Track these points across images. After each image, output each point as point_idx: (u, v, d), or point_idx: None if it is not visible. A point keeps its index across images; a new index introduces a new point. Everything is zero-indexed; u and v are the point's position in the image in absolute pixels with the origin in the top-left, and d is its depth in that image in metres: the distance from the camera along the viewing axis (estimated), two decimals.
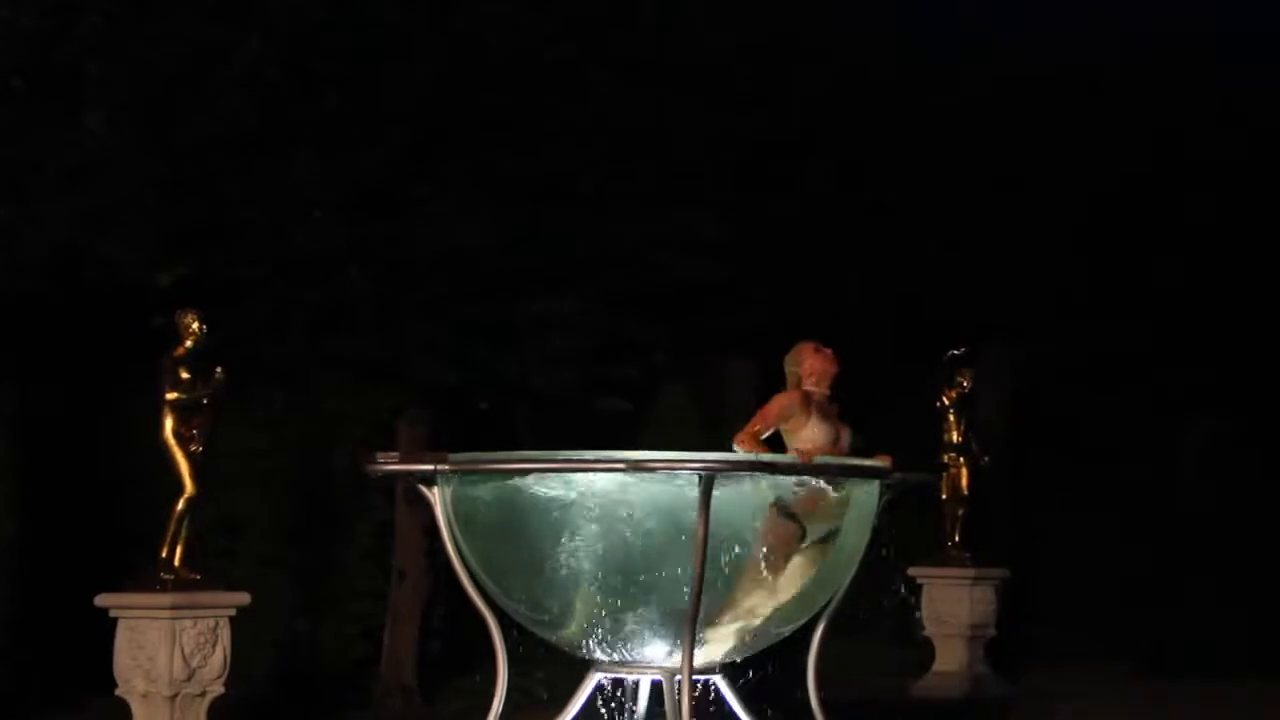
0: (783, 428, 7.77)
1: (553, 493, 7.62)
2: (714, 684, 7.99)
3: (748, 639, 7.94)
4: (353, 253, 10.69)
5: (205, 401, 8.90)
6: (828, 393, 7.91)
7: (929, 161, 14.50)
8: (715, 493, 7.32)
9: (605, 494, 7.58)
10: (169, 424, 8.84)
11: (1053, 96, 14.84)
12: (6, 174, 9.43)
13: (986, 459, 13.74)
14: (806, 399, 7.82)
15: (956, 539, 13.63)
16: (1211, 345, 15.98)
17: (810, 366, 7.90)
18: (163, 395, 8.84)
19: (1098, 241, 15.37)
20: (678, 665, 7.54)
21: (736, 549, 7.59)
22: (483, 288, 11.13)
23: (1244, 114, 15.26)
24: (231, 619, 8.85)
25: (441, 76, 10.62)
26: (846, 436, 7.89)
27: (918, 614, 13.71)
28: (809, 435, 7.73)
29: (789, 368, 7.96)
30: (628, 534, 7.66)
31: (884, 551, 8.17)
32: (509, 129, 10.94)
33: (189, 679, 8.63)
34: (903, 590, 13.23)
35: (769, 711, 8.15)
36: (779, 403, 7.80)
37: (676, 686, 7.56)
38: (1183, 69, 15.04)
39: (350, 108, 10.29)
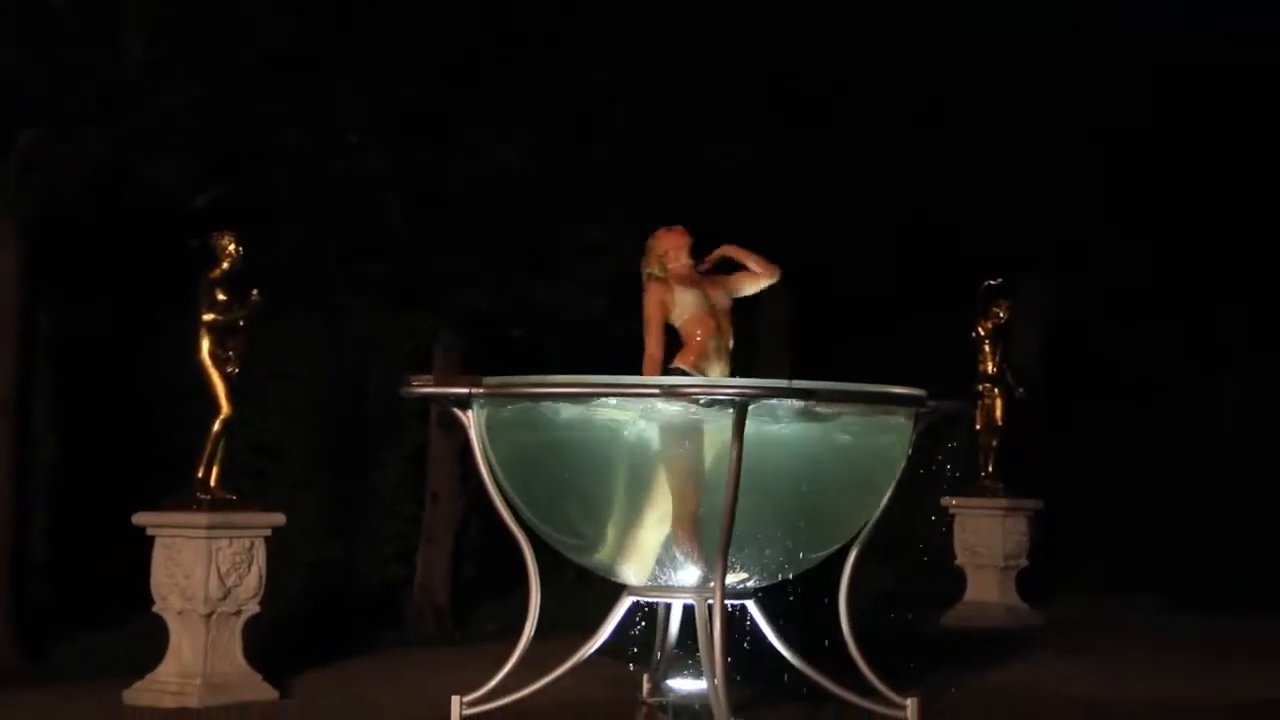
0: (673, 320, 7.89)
1: (586, 417, 7.64)
2: (747, 609, 8.03)
3: (781, 565, 7.97)
4: (389, 178, 10.68)
5: (241, 323, 8.93)
6: (689, 262, 8.07)
7: (966, 93, 14.38)
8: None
9: (639, 418, 7.60)
10: (205, 345, 8.87)
11: (1089, 28, 14.67)
12: (46, 94, 9.43)
13: (1021, 390, 13.70)
14: (666, 284, 7.93)
15: (990, 470, 13.62)
16: (1254, 282, 15.87)
17: (664, 245, 8.03)
18: (199, 317, 8.88)
19: (1139, 176, 15.23)
20: (710, 590, 7.57)
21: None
22: (516, 216, 11.12)
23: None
24: (266, 539, 8.91)
25: (479, 5, 10.58)
26: (721, 295, 8.06)
27: None
28: (680, 311, 7.93)
29: (646, 268, 8.11)
30: (659, 459, 7.69)
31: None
32: (547, 56, 10.89)
33: (224, 598, 8.71)
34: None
35: (800, 637, 8.18)
36: (649, 303, 8.00)
37: (709, 611, 7.60)
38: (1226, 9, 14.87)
39: (389, 32, 10.25)
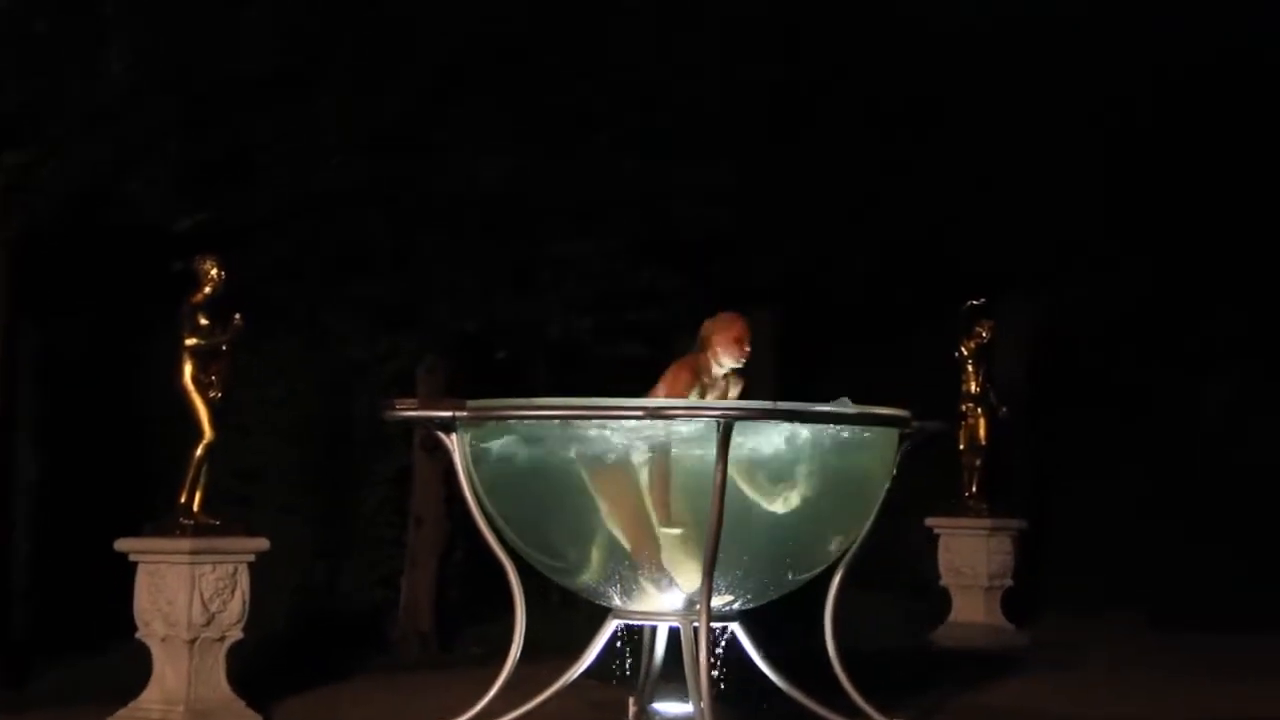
0: None
1: (570, 439, 7.63)
2: (731, 631, 8.01)
3: (765, 587, 7.96)
4: (372, 197, 10.67)
5: (224, 347, 8.91)
6: (729, 369, 7.85)
7: (949, 110, 14.39)
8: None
9: (623, 441, 7.59)
10: (188, 370, 8.85)
11: (1074, 39, 14.67)
12: (29, 115, 9.41)
13: (1004, 410, 13.73)
14: (697, 371, 7.80)
15: (974, 490, 13.63)
16: (1235, 296, 15.89)
17: (720, 340, 7.84)
18: (181, 341, 8.85)
19: (1120, 191, 15.26)
20: (695, 612, 7.56)
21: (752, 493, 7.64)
22: (502, 232, 11.12)
23: (1266, 53, 15.07)
24: (250, 564, 8.88)
25: (463, 18, 10.58)
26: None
27: None
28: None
29: (707, 332, 7.90)
30: (645, 481, 7.67)
31: None
32: (532, 72, 10.89)
33: (208, 624, 8.67)
34: None
35: (786, 659, 8.18)
36: (676, 381, 7.76)
37: (694, 633, 7.58)
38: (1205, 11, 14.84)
39: (372, 47, 10.25)
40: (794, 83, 12.40)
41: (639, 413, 7.47)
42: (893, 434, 8.07)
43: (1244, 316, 16.00)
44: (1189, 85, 14.55)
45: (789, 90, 12.43)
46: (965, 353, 13.59)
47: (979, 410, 13.59)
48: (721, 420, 7.30)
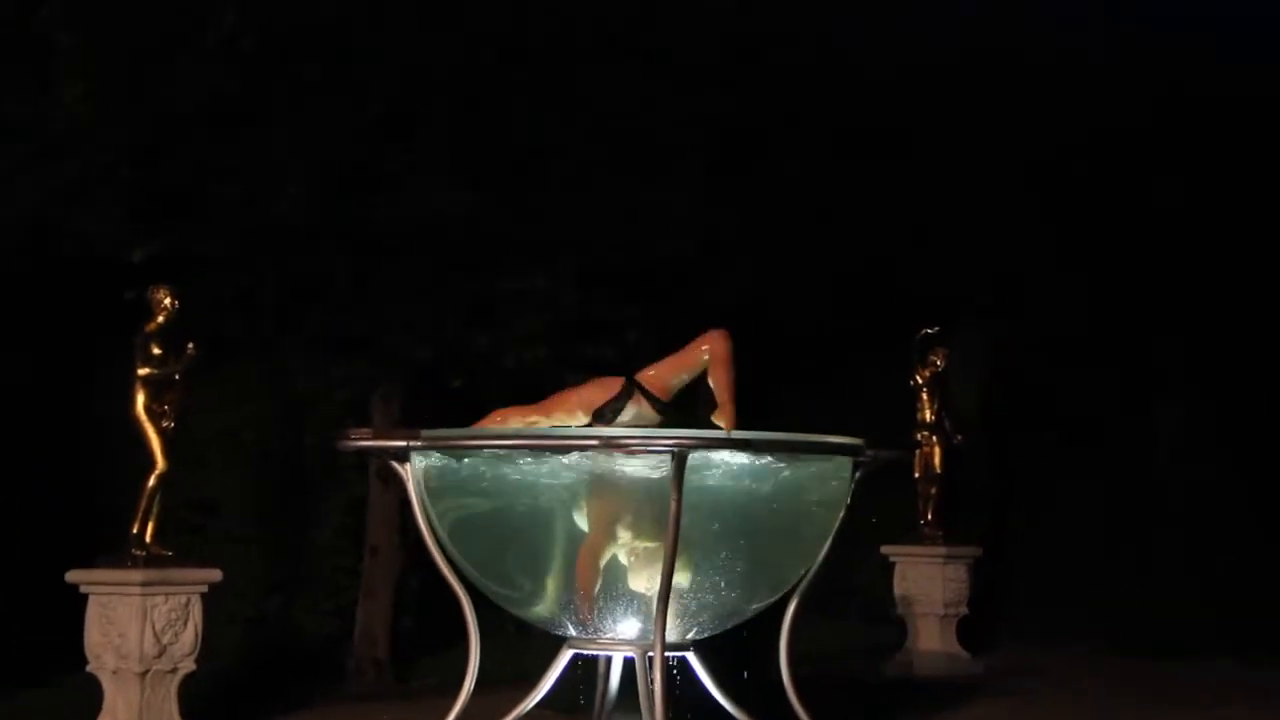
0: None
1: (525, 469, 7.62)
2: (687, 661, 8.00)
3: (720, 616, 7.95)
4: (327, 228, 10.64)
5: (177, 377, 8.87)
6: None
7: (901, 138, 14.47)
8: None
9: (577, 471, 7.58)
10: (140, 399, 8.81)
11: (1023, 70, 14.78)
12: None
13: (959, 438, 13.76)
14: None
15: (929, 518, 13.66)
16: (1187, 322, 16.01)
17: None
18: (134, 370, 8.81)
19: (1070, 219, 15.36)
20: (650, 642, 7.54)
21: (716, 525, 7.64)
22: (456, 264, 11.11)
23: (1216, 89, 15.23)
24: (203, 595, 8.83)
25: (419, 51, 10.58)
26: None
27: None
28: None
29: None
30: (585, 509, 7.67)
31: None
32: (486, 103, 10.90)
33: (160, 655, 8.61)
34: None
35: (741, 688, 8.16)
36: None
37: (649, 663, 7.57)
38: (1162, 49, 14.99)
39: (327, 81, 10.24)
40: (747, 115, 12.43)
41: (594, 443, 7.46)
42: (847, 462, 8.08)
43: (1191, 341, 16.10)
44: (1130, 121, 14.70)
45: (742, 122, 12.46)
46: (920, 381, 13.62)
47: (934, 438, 13.62)
48: (676, 450, 7.30)
